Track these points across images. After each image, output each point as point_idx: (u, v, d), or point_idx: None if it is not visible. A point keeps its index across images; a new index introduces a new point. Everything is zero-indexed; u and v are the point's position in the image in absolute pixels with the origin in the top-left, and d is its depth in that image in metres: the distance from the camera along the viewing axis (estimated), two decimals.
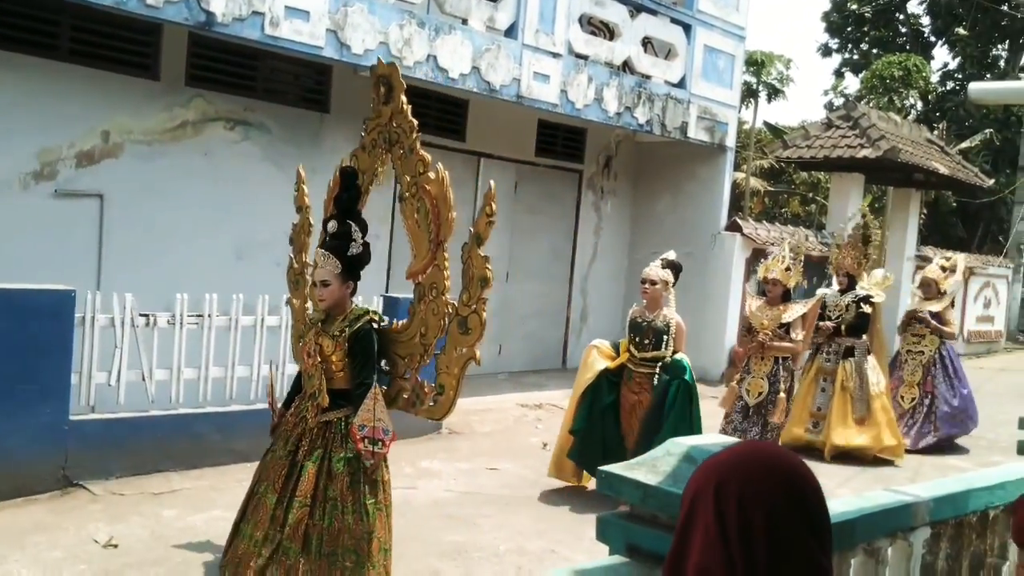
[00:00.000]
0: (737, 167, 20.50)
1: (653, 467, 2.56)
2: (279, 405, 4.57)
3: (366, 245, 4.36)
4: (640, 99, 10.92)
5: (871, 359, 8.32)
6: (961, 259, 10.09)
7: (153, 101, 8.21)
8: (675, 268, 6.52)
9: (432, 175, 4.09)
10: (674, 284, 6.49)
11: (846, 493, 6.78)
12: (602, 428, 6.50)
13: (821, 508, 1.35)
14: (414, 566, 5.15)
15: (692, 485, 1.38)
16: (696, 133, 11.78)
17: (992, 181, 18.92)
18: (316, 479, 4.08)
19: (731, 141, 12.49)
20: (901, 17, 31.12)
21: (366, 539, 4.07)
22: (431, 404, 4.22)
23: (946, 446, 9.07)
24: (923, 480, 6.88)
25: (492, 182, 4.19)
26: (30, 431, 5.78)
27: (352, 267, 4.29)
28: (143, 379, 6.53)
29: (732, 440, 2.78)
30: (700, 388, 6.73)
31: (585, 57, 10.30)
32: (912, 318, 9.30)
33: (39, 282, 6.11)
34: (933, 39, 30.55)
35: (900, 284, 16.41)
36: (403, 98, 4.21)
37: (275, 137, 8.93)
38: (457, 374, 4.12)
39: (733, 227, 12.33)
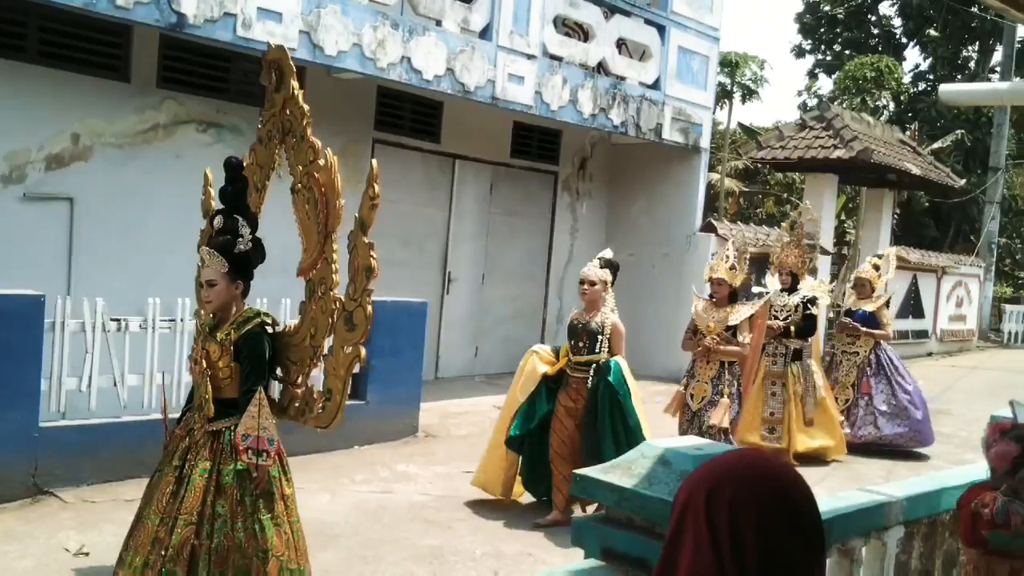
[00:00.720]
0: (712, 168, 20.60)
1: (628, 470, 2.55)
2: (173, 418, 4.27)
3: (256, 242, 4.04)
4: (615, 100, 10.93)
5: (815, 362, 8.26)
6: (892, 255, 9.85)
7: (124, 103, 8.13)
8: (613, 267, 6.31)
9: (322, 162, 3.83)
10: (612, 284, 6.25)
11: (820, 493, 6.80)
12: (539, 440, 6.25)
13: (814, 516, 1.34)
14: (390, 571, 5.12)
15: (682, 493, 1.37)
16: (671, 134, 11.82)
17: (964, 181, 19.12)
18: (203, 494, 3.78)
19: (706, 142, 12.54)
20: (873, 19, 31.39)
21: (260, 558, 3.77)
22: (320, 411, 3.93)
23: (898, 451, 8.80)
24: (897, 479, 6.93)
25: (374, 161, 3.88)
26: None
27: (240, 266, 3.97)
28: (115, 385, 6.46)
29: (704, 441, 2.78)
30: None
31: (560, 58, 10.31)
32: (842, 320, 9.14)
33: (8, 287, 6.02)
34: (905, 40, 30.83)
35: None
36: (294, 84, 3.97)
37: (248, 139, 8.79)
38: (344, 376, 3.83)
39: (708, 228, 12.37)
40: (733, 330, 6.79)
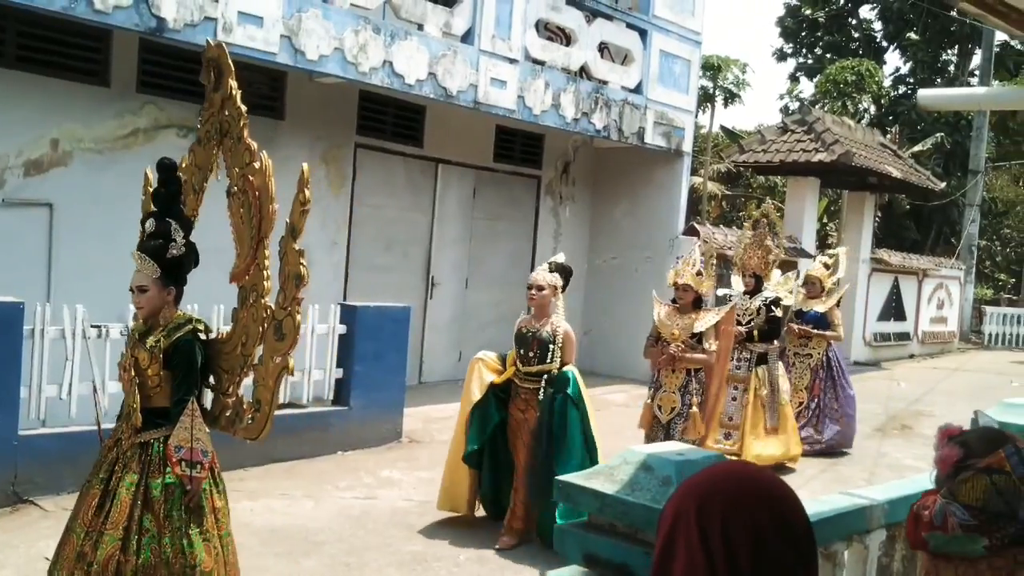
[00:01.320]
0: (694, 172, 20.67)
1: (610, 476, 2.55)
2: (109, 428, 4.09)
3: (190, 246, 3.90)
4: (597, 105, 10.95)
5: (781, 365, 7.98)
6: (843, 254, 9.67)
7: (103, 108, 8.08)
8: (565, 272, 5.98)
9: (257, 165, 3.69)
10: (563, 289, 5.93)
11: (803, 496, 6.82)
12: (493, 451, 6.01)
13: (805, 524, 1.34)
14: None
15: (671, 507, 1.36)
16: (653, 138, 11.84)
17: (944, 184, 19.26)
18: (130, 508, 3.65)
19: (688, 146, 12.57)
20: (854, 22, 31.60)
21: (188, 574, 3.67)
22: (249, 422, 3.80)
23: (833, 453, 8.77)
24: (879, 481, 6.97)
25: (305, 165, 3.74)
26: None
27: (173, 271, 3.85)
28: (95, 392, 6.40)
29: (685, 447, 2.78)
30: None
31: (542, 63, 10.31)
32: (790, 326, 8.93)
33: None
34: (885, 44, 31.04)
35: (855, 287, 16.63)
36: (232, 83, 3.84)
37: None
38: (272, 387, 3.69)
39: (691, 231, 12.41)
40: (698, 337, 6.46)
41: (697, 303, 6.56)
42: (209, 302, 6.40)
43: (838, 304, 9.21)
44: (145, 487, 3.69)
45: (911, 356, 18.15)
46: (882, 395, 13.06)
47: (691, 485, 1.37)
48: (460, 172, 11.42)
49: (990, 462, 1.90)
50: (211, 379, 3.98)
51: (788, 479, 7.41)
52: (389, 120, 10.50)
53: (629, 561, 2.43)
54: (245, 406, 3.83)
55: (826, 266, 9.24)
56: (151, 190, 4.04)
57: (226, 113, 3.86)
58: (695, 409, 6.40)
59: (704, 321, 6.49)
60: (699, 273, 6.55)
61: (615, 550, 2.47)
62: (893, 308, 17.71)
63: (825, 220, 23.52)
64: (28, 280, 7.34)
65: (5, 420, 5.79)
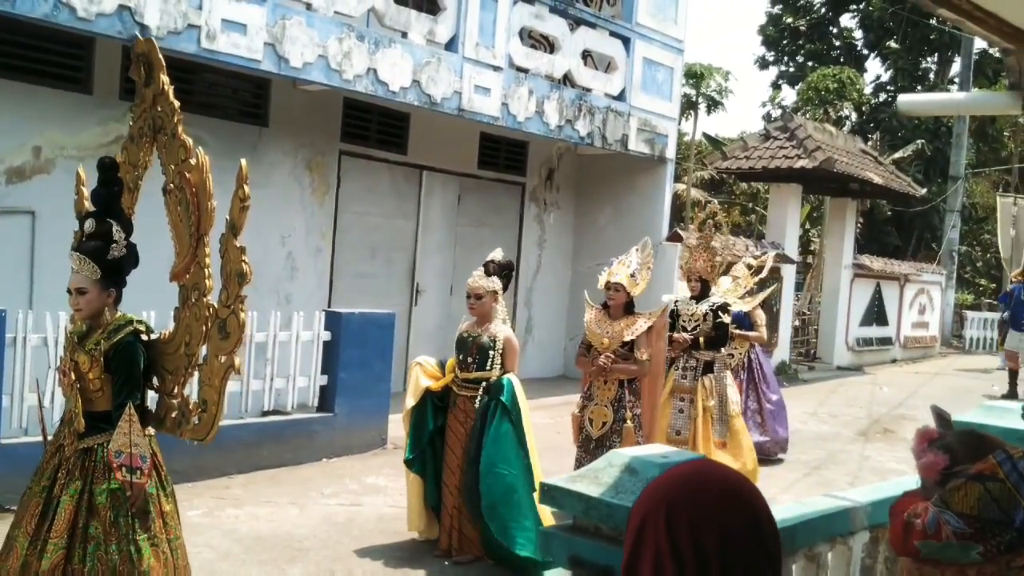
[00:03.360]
0: (678, 178, 20.75)
1: (595, 479, 2.56)
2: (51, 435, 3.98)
3: (130, 247, 3.85)
4: (581, 112, 10.99)
5: (729, 375, 7.41)
6: (769, 260, 9.42)
7: (86, 115, 8.05)
8: (503, 270, 5.68)
9: (193, 161, 3.64)
10: (505, 289, 5.66)
11: (788, 499, 6.87)
12: (432, 459, 5.72)
13: (771, 522, 1.34)
14: None
15: (639, 508, 1.35)
16: (636, 145, 11.89)
17: (925, 190, 19.40)
18: (74, 515, 3.57)
19: (671, 153, 12.63)
20: (835, 31, 31.82)
21: None
22: (195, 422, 3.73)
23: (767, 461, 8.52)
24: (862, 484, 7.01)
25: (244, 161, 3.61)
26: None
27: (113, 272, 3.78)
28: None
29: (671, 449, 2.80)
30: None
31: (526, 70, 10.35)
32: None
33: None
34: (866, 52, 31.28)
35: (838, 292, 16.74)
36: (164, 78, 3.76)
37: (212, 151, 8.69)
38: (219, 386, 3.64)
39: (674, 238, 12.44)
40: (630, 345, 6.08)
41: (629, 307, 6.20)
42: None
43: (762, 305, 9.02)
44: (89, 493, 3.61)
45: (893, 361, 18.26)
46: (865, 400, 13.14)
47: (659, 486, 1.36)
48: (444, 179, 11.43)
49: (981, 469, 1.91)
50: (154, 380, 3.91)
51: (773, 482, 7.45)
52: (373, 127, 10.51)
53: (614, 563, 2.44)
54: (191, 407, 3.76)
55: (749, 267, 9.01)
56: (91, 190, 3.96)
57: (159, 109, 3.79)
58: (628, 423, 6.06)
59: (635, 328, 6.11)
60: (633, 275, 6.20)
61: (599, 552, 2.49)
62: (875, 313, 17.82)
63: (807, 226, 23.64)
64: (10, 288, 7.30)
65: None
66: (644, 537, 1.32)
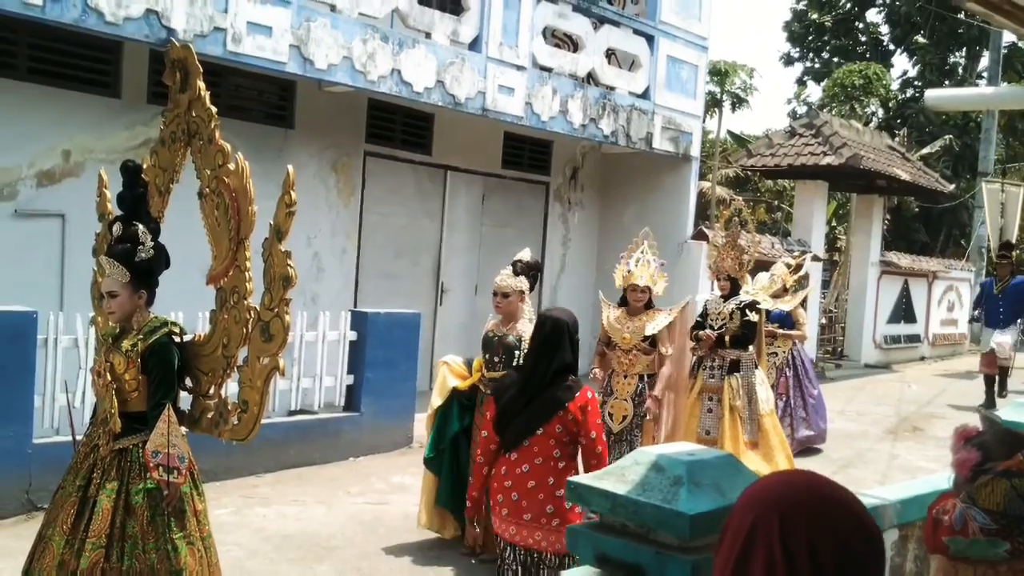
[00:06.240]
0: (702, 176, 20.66)
1: (621, 477, 2.56)
2: (79, 436, 4.01)
3: (158, 248, 3.88)
4: (605, 110, 10.97)
5: (759, 373, 7.28)
6: (807, 260, 9.64)
7: (115, 119, 8.13)
8: (530, 270, 5.67)
9: (232, 166, 3.67)
10: (532, 289, 5.66)
11: None
12: (456, 460, 5.73)
13: (876, 526, 1.37)
14: None
15: (746, 517, 1.36)
16: (661, 143, 11.86)
17: (953, 186, 19.21)
18: (112, 515, 3.59)
19: (696, 151, 12.58)
20: (861, 26, 31.56)
21: None
22: (235, 423, 3.74)
23: (808, 451, 8.72)
24: (891, 483, 6.95)
25: (290, 167, 3.65)
26: None
27: (142, 274, 3.82)
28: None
29: (698, 446, 2.79)
30: None
31: (549, 69, 10.35)
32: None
33: (0, 304, 6.03)
34: (892, 47, 31.00)
35: (865, 289, 16.61)
36: (200, 84, 3.81)
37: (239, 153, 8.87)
38: (261, 387, 3.65)
39: (700, 236, 12.40)
40: (651, 340, 6.14)
41: (648, 305, 6.22)
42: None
43: (803, 304, 9.15)
44: (126, 493, 3.64)
45: (922, 358, 18.10)
46: (893, 397, 13.03)
47: (768, 495, 1.37)
48: (469, 179, 11.45)
49: (1009, 465, 1.90)
50: (187, 381, 3.94)
51: None
52: (398, 128, 10.54)
53: (641, 561, 2.44)
54: (230, 407, 3.77)
55: (788, 266, 9.13)
56: (116, 193, 4.01)
57: (194, 114, 3.83)
58: (649, 419, 6.10)
59: (656, 323, 6.14)
60: (653, 274, 6.23)
61: (626, 550, 2.49)
62: (903, 311, 17.66)
63: (834, 223, 23.48)
64: (41, 290, 7.39)
65: (19, 428, 5.84)
66: (754, 549, 1.32)
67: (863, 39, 31.45)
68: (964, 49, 29.12)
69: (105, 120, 8.07)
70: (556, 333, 4.01)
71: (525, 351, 5.48)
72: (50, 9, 6.46)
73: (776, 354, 8.75)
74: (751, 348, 7.20)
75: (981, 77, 27.39)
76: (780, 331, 8.71)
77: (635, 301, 6.20)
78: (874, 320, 16.75)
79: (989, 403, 12.04)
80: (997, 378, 12.42)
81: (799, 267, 9.21)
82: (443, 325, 11.24)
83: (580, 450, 3.92)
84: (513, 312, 5.64)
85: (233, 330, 3.72)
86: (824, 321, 16.28)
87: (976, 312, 13.21)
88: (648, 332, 6.12)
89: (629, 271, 6.27)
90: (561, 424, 3.83)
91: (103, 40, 7.43)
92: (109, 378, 3.73)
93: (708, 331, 7.06)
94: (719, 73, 25.18)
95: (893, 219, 24.27)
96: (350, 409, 7.98)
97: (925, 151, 24.41)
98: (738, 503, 1.40)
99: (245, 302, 3.68)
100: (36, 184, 7.73)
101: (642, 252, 6.32)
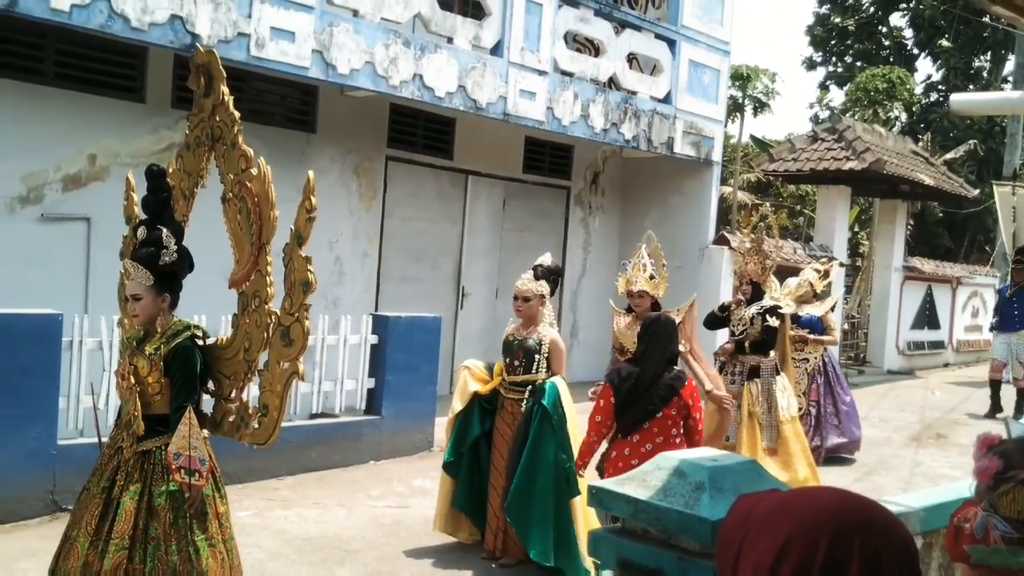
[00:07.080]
0: (724, 181, 20.60)
1: (643, 482, 2.56)
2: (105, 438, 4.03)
3: (182, 252, 3.91)
4: (626, 115, 10.96)
5: (781, 379, 7.16)
6: (835, 266, 9.61)
7: (139, 123, 8.21)
8: (551, 275, 5.70)
9: (255, 171, 3.70)
10: (552, 293, 5.68)
11: None
12: (475, 464, 5.74)
13: (914, 542, 1.37)
14: None
15: (798, 538, 1.32)
16: (682, 148, 11.83)
17: (977, 191, 19.03)
18: (135, 517, 3.63)
19: (717, 155, 12.54)
20: (884, 30, 31.36)
21: None
22: (255, 427, 3.76)
23: (839, 460, 8.70)
24: (914, 490, 6.90)
25: (311, 172, 3.68)
26: (17, 456, 5.75)
27: (166, 278, 3.84)
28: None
29: (718, 452, 2.78)
30: None
31: (571, 74, 10.35)
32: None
33: (26, 306, 6.10)
34: (916, 51, 30.79)
35: (888, 295, 16.49)
36: (224, 89, 3.83)
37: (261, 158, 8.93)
38: (280, 392, 3.67)
39: (721, 241, 12.36)
40: None
41: (655, 307, 6.16)
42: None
43: (832, 309, 9.14)
44: (149, 495, 3.68)
45: (945, 365, 17.95)
46: (917, 404, 12.93)
47: (811, 514, 1.34)
48: (490, 183, 11.47)
49: None
50: (210, 384, 3.97)
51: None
52: (419, 132, 10.58)
53: (663, 566, 2.44)
54: (251, 411, 3.80)
55: (817, 271, 9.10)
56: (141, 197, 4.04)
57: (217, 119, 3.85)
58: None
59: None
60: (652, 277, 6.22)
61: (648, 555, 2.49)
62: (927, 316, 17.52)
63: (856, 229, 23.33)
64: (66, 293, 7.46)
65: (44, 430, 5.89)
66: (789, 552, 1.31)
67: (886, 43, 31.26)
68: (989, 53, 28.89)
69: (130, 124, 8.15)
70: (668, 329, 4.79)
71: (544, 354, 5.55)
72: (76, 15, 6.53)
73: (807, 360, 8.73)
74: (772, 354, 7.14)
75: (1007, 81, 27.14)
76: (812, 336, 8.69)
77: (636, 306, 6.20)
78: (897, 326, 16.63)
79: (994, 409, 11.94)
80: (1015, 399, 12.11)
81: (827, 273, 9.21)
82: (464, 329, 11.26)
83: (685, 429, 4.73)
84: (533, 316, 5.63)
85: (254, 334, 3.74)
86: (847, 327, 16.18)
87: (994, 320, 12.93)
88: None
89: (626, 278, 6.29)
90: (676, 408, 4.66)
91: (128, 46, 7.50)
92: (133, 381, 3.76)
93: (727, 344, 7.23)
94: (741, 77, 25.08)
95: (916, 224, 24.10)
96: (371, 413, 8.00)
97: (949, 156, 24.23)
98: (765, 515, 1.38)
99: (266, 306, 3.69)
100: (62, 188, 7.81)
101: (639, 257, 6.30)
